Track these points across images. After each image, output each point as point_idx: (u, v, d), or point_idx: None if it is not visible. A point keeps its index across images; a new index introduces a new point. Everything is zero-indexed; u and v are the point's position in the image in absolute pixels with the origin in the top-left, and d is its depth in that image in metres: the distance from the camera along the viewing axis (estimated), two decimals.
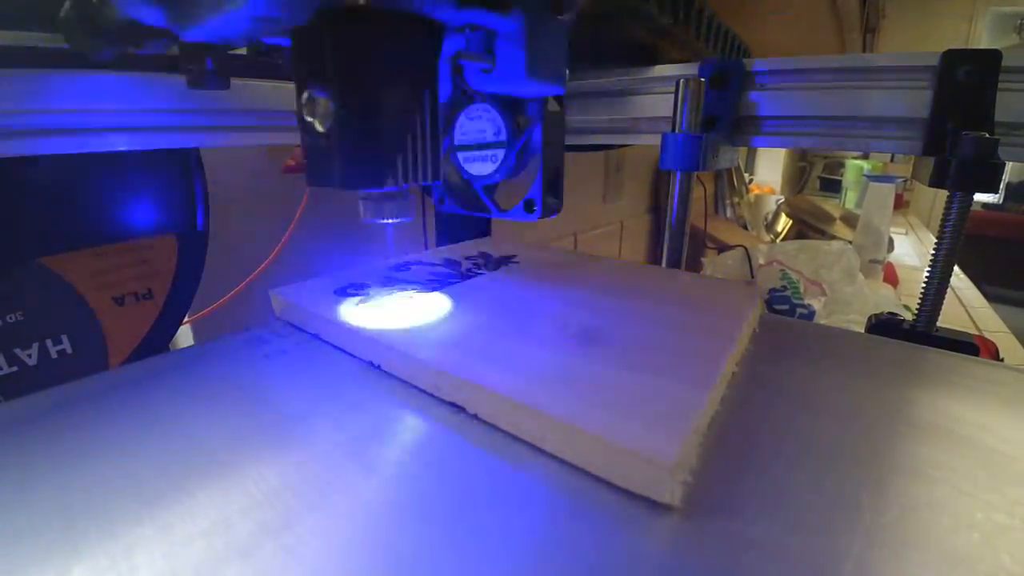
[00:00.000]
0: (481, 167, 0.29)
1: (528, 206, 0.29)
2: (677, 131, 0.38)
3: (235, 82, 0.30)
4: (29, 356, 0.31)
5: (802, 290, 0.86)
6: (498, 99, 0.27)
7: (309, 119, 0.15)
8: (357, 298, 0.27)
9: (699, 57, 0.46)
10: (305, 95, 0.15)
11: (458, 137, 0.28)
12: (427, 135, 0.17)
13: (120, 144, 0.30)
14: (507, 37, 0.17)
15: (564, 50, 0.19)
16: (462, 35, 0.18)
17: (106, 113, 0.29)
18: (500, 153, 0.27)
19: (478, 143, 0.29)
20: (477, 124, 0.28)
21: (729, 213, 1.56)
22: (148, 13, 0.15)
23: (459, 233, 0.59)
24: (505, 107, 0.26)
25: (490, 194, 0.30)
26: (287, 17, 0.14)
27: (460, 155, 0.29)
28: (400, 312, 0.25)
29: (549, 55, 0.18)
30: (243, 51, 0.23)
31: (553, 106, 0.27)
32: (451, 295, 0.28)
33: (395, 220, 0.21)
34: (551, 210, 0.28)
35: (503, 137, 0.26)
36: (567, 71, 0.20)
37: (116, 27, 0.20)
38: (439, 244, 0.60)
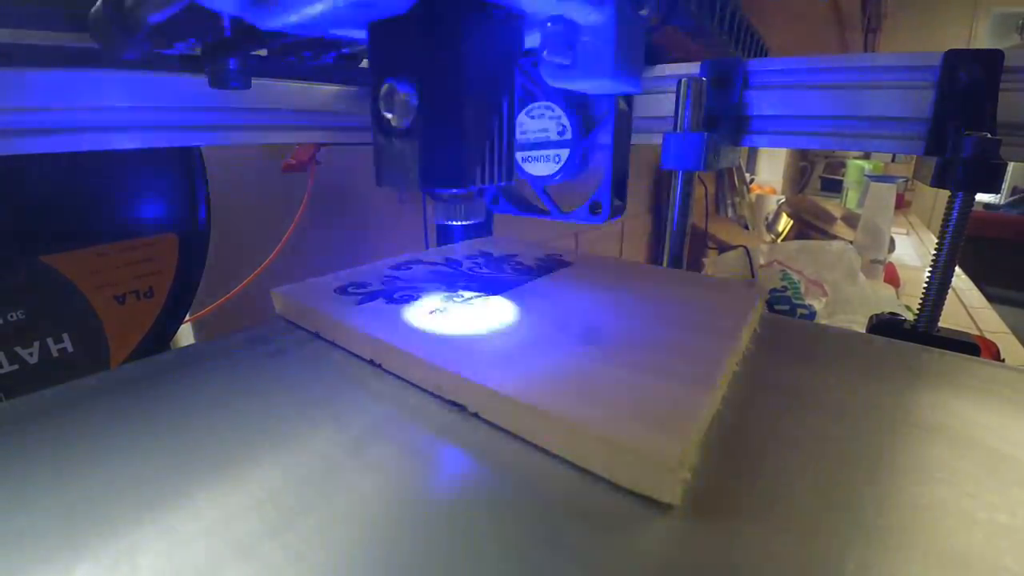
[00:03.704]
0: (542, 167, 0.28)
1: (594, 208, 0.28)
2: (678, 131, 0.38)
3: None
4: (30, 354, 0.31)
5: (803, 290, 0.86)
6: (563, 97, 0.25)
7: (387, 115, 0.15)
8: (358, 296, 0.27)
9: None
10: (384, 88, 0.14)
11: (516, 136, 0.27)
12: (505, 134, 0.17)
13: (132, 143, 0.30)
14: (592, 31, 0.16)
15: (643, 47, 0.18)
16: (538, 29, 0.18)
17: (119, 111, 0.29)
18: (564, 153, 0.26)
19: (539, 142, 0.27)
20: (539, 123, 0.27)
21: (730, 213, 1.55)
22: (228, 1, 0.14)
23: (460, 232, 0.59)
24: (572, 105, 0.25)
25: (549, 195, 0.29)
26: (386, 4, 0.13)
27: (518, 155, 0.27)
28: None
29: (632, 51, 0.17)
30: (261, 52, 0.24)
31: (622, 105, 0.26)
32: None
33: (467, 222, 0.20)
34: (617, 211, 0.27)
35: (568, 136, 0.25)
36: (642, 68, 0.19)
37: (151, 25, 0.20)
38: (440, 243, 0.60)
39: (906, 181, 1.74)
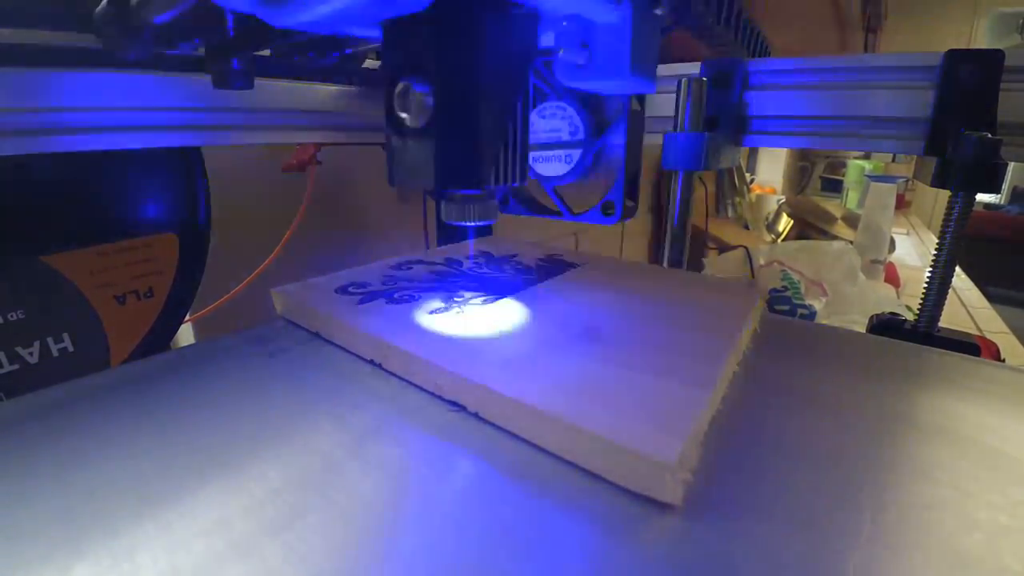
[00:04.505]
0: (553, 167, 0.28)
1: (606, 208, 0.28)
2: (679, 130, 0.38)
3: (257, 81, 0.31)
4: (31, 354, 0.31)
5: (803, 290, 0.86)
6: (576, 97, 0.26)
7: (402, 114, 0.15)
8: (358, 296, 0.27)
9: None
10: (400, 87, 0.14)
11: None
12: (520, 134, 0.17)
13: (132, 143, 0.30)
14: (608, 31, 0.16)
15: (658, 46, 0.19)
16: (553, 28, 0.18)
17: (119, 112, 0.29)
18: (576, 153, 0.26)
19: (550, 143, 0.27)
20: (551, 123, 0.27)
21: (730, 213, 1.55)
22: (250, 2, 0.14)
23: (460, 232, 0.59)
24: (584, 105, 0.25)
25: (559, 196, 0.29)
26: (404, 1, 0.13)
27: (529, 155, 0.28)
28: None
29: (648, 50, 0.18)
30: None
31: (635, 105, 0.26)
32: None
33: (479, 223, 0.20)
34: (629, 212, 0.27)
35: (580, 136, 0.26)
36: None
37: (156, 26, 0.20)
38: (440, 243, 0.60)
39: (906, 181, 1.74)
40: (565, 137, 0.27)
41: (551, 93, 0.27)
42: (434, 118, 0.14)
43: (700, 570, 0.13)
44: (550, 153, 0.28)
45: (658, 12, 0.18)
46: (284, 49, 0.24)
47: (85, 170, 0.32)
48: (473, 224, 0.19)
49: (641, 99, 0.28)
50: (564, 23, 0.17)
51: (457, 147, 0.15)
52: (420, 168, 0.15)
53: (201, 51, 0.25)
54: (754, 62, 0.39)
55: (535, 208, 0.32)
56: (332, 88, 0.39)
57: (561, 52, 0.18)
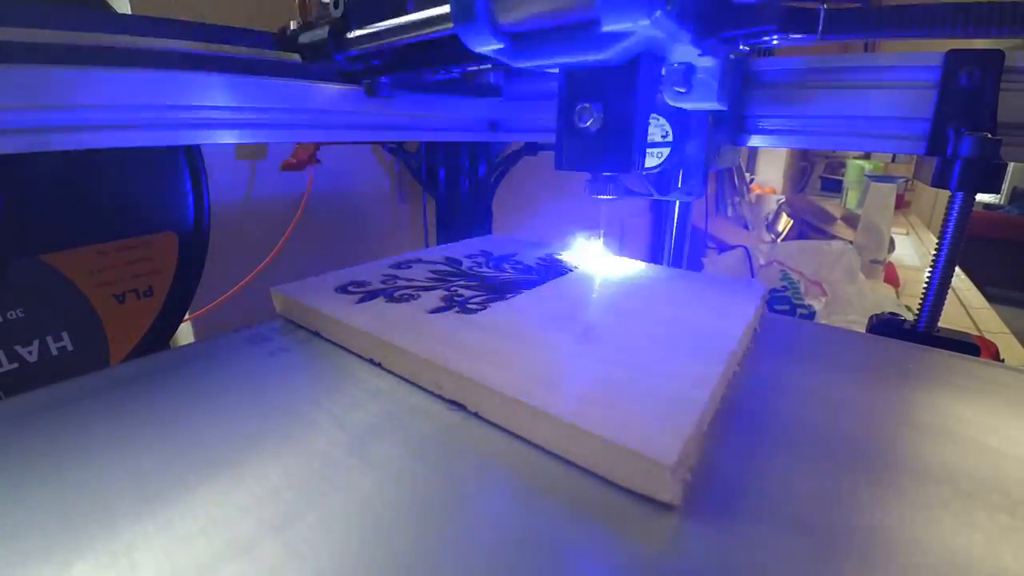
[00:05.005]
0: (649, 161, 0.37)
1: (687, 190, 0.38)
2: None
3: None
4: (30, 352, 0.31)
5: (802, 290, 0.86)
6: (667, 110, 0.35)
7: (581, 124, 0.23)
8: (358, 295, 0.27)
9: None
10: (580, 107, 0.23)
11: None
12: (646, 136, 0.25)
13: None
14: (705, 71, 0.24)
15: (739, 77, 0.26)
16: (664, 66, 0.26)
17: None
18: (665, 151, 0.36)
19: (648, 144, 0.36)
20: (648, 128, 0.35)
21: (730, 213, 1.55)
22: (499, 50, 0.22)
23: (460, 232, 0.59)
24: (674, 116, 0.36)
25: (651, 181, 0.40)
26: (615, 62, 0.22)
27: None
28: None
29: (730, 82, 0.25)
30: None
31: (710, 117, 0.36)
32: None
33: (612, 197, 0.29)
34: (701, 193, 0.38)
35: (670, 139, 0.36)
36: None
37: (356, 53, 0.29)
38: (440, 243, 0.60)
39: (906, 181, 1.74)
40: (657, 139, 0.36)
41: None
42: (603, 126, 0.23)
43: (700, 570, 0.13)
44: (647, 150, 0.37)
45: (733, 57, 0.24)
46: (421, 67, 0.31)
47: (86, 169, 0.32)
48: (608, 198, 0.29)
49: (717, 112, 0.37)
50: (675, 64, 0.24)
51: (617, 144, 0.23)
52: (592, 157, 0.24)
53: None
54: (755, 61, 0.39)
55: (625, 191, 0.41)
56: (335, 87, 0.39)
57: (673, 87, 0.25)
